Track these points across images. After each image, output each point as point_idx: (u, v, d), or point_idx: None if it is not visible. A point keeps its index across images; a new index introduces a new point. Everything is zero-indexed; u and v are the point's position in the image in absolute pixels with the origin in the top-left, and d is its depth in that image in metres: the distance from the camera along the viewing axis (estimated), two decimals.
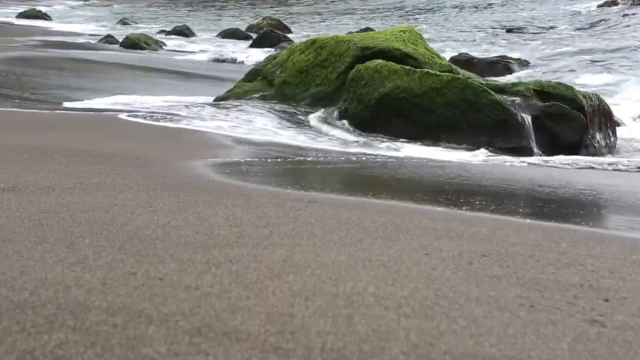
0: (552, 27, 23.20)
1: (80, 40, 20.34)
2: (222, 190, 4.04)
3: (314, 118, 7.89)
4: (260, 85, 8.82)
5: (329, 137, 7.43)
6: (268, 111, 8.09)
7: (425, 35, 9.24)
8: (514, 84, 7.79)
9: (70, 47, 16.98)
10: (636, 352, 2.05)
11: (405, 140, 7.32)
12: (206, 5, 40.65)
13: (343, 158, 6.24)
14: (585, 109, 7.49)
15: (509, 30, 24.06)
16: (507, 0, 32.93)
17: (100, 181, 4.06)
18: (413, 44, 8.34)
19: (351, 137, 7.46)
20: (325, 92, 8.21)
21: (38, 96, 9.26)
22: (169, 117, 7.45)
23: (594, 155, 7.46)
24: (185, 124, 7.15)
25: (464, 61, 16.05)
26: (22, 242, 2.76)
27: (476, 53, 17.39)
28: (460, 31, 25.09)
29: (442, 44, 20.29)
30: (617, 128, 8.18)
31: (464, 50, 17.94)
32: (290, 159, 5.83)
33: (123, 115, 7.39)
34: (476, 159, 6.72)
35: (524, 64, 16.32)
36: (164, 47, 19.33)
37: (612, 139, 7.91)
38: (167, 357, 1.82)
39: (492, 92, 7.36)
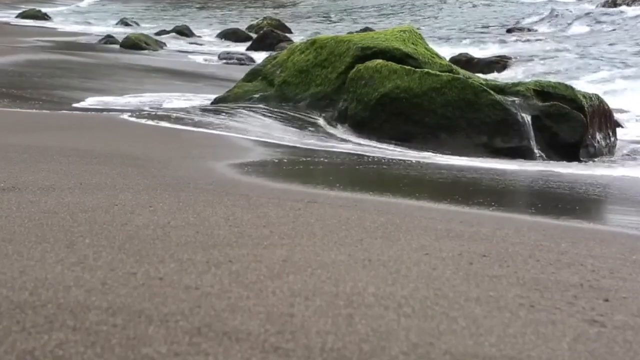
0: (552, 28, 23.21)
1: (82, 40, 20.34)
2: (223, 190, 4.04)
3: (320, 119, 7.89)
4: (260, 85, 8.82)
5: (334, 137, 7.43)
6: (270, 112, 8.09)
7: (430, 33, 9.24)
8: (514, 84, 7.79)
9: (73, 48, 16.99)
10: (636, 352, 2.05)
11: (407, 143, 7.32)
12: (205, 6, 40.63)
13: (350, 158, 6.24)
14: (585, 109, 7.49)
15: (509, 31, 24.07)
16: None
17: (100, 181, 4.06)
18: (413, 44, 8.34)
19: (352, 137, 7.46)
20: (325, 92, 8.21)
21: (55, 97, 9.27)
22: (167, 117, 7.45)
23: (593, 155, 7.46)
24: (183, 126, 7.15)
25: (464, 61, 16.07)
26: (22, 242, 2.76)
27: (476, 53, 17.39)
28: (459, 29, 25.08)
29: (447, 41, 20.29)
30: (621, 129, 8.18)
31: (463, 49, 17.94)
32: (300, 160, 5.83)
33: (124, 116, 7.39)
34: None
35: (524, 64, 16.32)
36: (164, 48, 19.32)
37: (612, 139, 7.91)
38: (167, 357, 1.82)
39: (492, 92, 7.36)
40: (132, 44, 18.23)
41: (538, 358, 1.97)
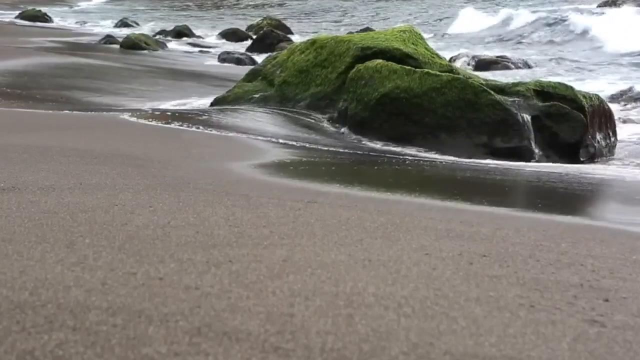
0: (553, 27, 23.20)
1: (83, 40, 20.34)
2: (223, 190, 4.04)
3: (320, 119, 7.89)
4: (260, 85, 8.82)
5: (334, 137, 7.43)
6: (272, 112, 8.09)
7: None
8: (514, 84, 7.79)
9: (80, 49, 16.98)
10: (636, 352, 2.06)
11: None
12: (205, 6, 40.62)
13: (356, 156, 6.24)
14: (586, 109, 7.49)
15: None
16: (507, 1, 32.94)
17: (100, 181, 4.06)
18: (413, 44, 8.34)
19: (352, 137, 7.46)
20: (325, 92, 8.21)
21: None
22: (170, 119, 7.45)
23: (594, 155, 7.46)
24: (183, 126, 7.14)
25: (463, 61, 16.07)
26: (22, 242, 2.76)
27: (476, 53, 17.39)
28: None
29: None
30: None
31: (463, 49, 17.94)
32: (300, 160, 5.83)
33: (125, 116, 7.39)
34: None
35: (523, 64, 16.32)
36: (164, 48, 19.32)
37: (612, 139, 7.91)
38: (167, 357, 1.82)
39: (492, 92, 7.36)
40: (132, 44, 18.22)
41: (538, 358, 1.97)
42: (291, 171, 5.25)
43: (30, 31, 22.15)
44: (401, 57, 8.02)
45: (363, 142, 7.37)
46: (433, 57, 8.31)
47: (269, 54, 12.48)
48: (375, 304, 2.27)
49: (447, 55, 14.59)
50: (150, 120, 7.18)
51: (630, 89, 11.09)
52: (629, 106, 10.52)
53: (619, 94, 11.04)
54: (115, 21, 28.75)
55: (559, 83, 7.93)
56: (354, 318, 2.14)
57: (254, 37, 21.48)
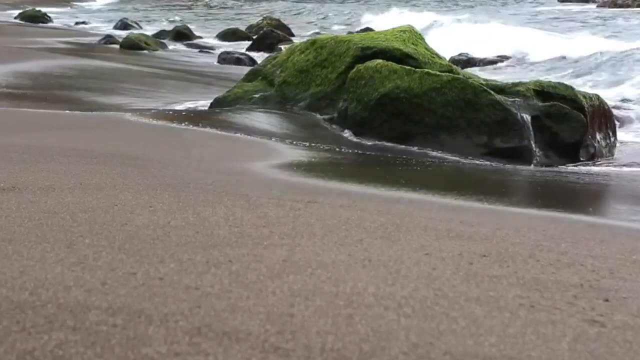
0: (553, 27, 23.19)
1: (83, 40, 20.33)
2: (223, 190, 4.04)
3: (320, 119, 7.89)
4: (260, 85, 8.82)
5: (334, 137, 7.43)
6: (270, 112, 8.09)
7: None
8: (514, 84, 7.79)
9: (78, 49, 16.98)
10: (636, 352, 2.05)
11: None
12: (204, 6, 40.63)
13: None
14: (586, 109, 7.49)
15: None
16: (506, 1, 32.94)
17: (100, 181, 4.06)
18: (413, 44, 8.33)
19: (352, 137, 7.46)
20: (325, 92, 8.20)
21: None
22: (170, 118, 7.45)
23: (594, 155, 7.46)
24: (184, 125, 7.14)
25: (464, 61, 16.07)
26: (22, 242, 2.76)
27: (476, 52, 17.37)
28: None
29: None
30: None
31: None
32: (300, 160, 5.83)
33: (126, 116, 7.39)
34: None
35: (524, 64, 16.32)
36: (164, 48, 19.31)
37: (612, 139, 7.90)
38: (167, 357, 1.82)
39: (492, 92, 7.36)
40: (132, 44, 18.21)
41: (538, 358, 1.97)
42: (291, 171, 5.24)
43: (31, 31, 22.15)
44: (401, 57, 8.01)
45: (363, 142, 7.37)
46: (433, 57, 8.31)
47: (269, 54, 12.48)
48: (375, 304, 2.27)
49: None
50: (152, 119, 7.18)
51: None
52: None
53: None
54: (116, 21, 28.75)
55: (559, 83, 7.92)
56: (354, 318, 2.14)
57: (254, 37, 21.47)
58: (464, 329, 2.11)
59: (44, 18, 29.04)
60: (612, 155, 7.74)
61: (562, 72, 14.77)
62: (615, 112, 8.42)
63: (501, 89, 7.61)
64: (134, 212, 3.35)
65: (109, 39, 19.75)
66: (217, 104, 8.80)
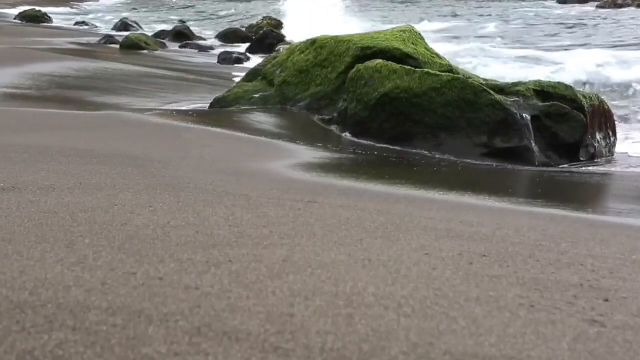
0: (556, 28, 23.20)
1: (83, 40, 20.34)
2: (223, 190, 4.04)
3: (319, 119, 7.89)
4: (260, 85, 8.82)
5: (334, 136, 7.43)
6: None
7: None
8: (514, 84, 7.79)
9: (79, 49, 16.98)
10: (636, 352, 2.06)
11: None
12: (206, 5, 40.63)
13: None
14: (586, 109, 7.49)
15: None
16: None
17: (100, 181, 4.06)
18: (413, 44, 8.34)
19: (352, 137, 7.47)
20: (325, 92, 8.21)
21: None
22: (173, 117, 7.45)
23: (594, 155, 7.46)
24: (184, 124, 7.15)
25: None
26: (22, 242, 2.76)
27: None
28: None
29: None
30: None
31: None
32: (299, 161, 5.84)
33: (126, 116, 7.39)
34: None
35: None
36: (164, 48, 19.31)
37: (612, 139, 7.91)
38: (167, 357, 1.82)
39: (491, 92, 7.36)
40: (132, 44, 18.22)
41: (538, 358, 1.97)
42: (291, 171, 5.24)
43: (31, 32, 22.15)
44: (401, 57, 8.02)
45: (363, 142, 7.37)
46: (433, 57, 8.31)
47: (269, 54, 12.47)
48: (375, 304, 2.27)
49: None
50: (152, 119, 7.18)
51: None
52: None
53: None
54: (116, 21, 28.74)
55: (559, 83, 7.93)
56: (354, 318, 2.14)
57: (254, 37, 21.47)
58: (464, 329, 2.11)
59: (44, 18, 29.03)
60: (612, 155, 7.74)
61: None
62: None
63: (501, 89, 7.61)
64: (134, 212, 3.35)
65: (109, 39, 19.75)
66: (217, 103, 8.80)
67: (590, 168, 6.97)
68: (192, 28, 24.17)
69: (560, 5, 33.96)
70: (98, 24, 28.73)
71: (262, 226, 3.21)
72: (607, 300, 2.48)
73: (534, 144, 7.23)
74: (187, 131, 6.77)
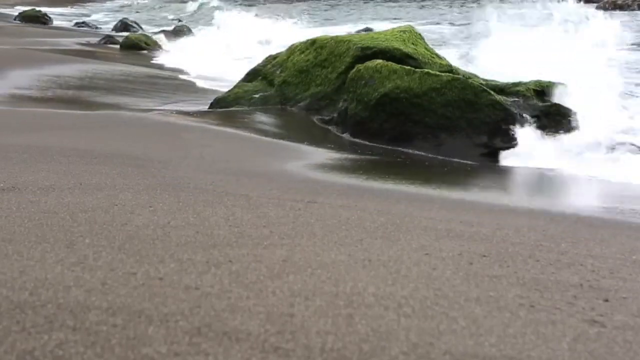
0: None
1: (82, 40, 20.34)
2: (222, 190, 4.04)
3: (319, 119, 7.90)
4: (260, 85, 8.82)
5: (334, 137, 7.43)
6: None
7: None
8: (514, 84, 7.79)
9: (81, 49, 16.97)
10: (636, 352, 2.06)
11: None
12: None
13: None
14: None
15: None
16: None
17: (100, 181, 4.06)
18: (413, 44, 8.34)
19: (352, 137, 7.47)
20: (325, 92, 8.21)
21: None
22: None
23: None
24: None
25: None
26: (22, 242, 2.76)
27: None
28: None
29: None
30: None
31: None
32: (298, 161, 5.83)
33: (126, 116, 7.39)
34: None
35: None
36: (164, 49, 19.31)
37: None
38: (167, 357, 1.82)
39: (491, 92, 7.36)
40: (132, 44, 18.23)
41: (538, 358, 1.97)
42: (291, 170, 5.24)
43: (31, 32, 22.14)
44: (401, 57, 8.01)
45: (363, 142, 7.37)
46: (433, 57, 8.31)
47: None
48: (375, 304, 2.27)
49: None
50: (152, 119, 7.18)
51: None
52: None
53: None
54: (116, 22, 28.73)
55: (559, 83, 7.92)
56: (354, 318, 2.14)
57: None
58: (464, 329, 2.11)
59: (44, 18, 29.01)
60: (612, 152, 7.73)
61: None
62: None
63: (501, 89, 7.61)
64: (134, 212, 3.35)
65: (109, 39, 19.76)
66: (217, 103, 8.80)
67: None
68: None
69: (559, 5, 33.90)
70: (99, 24, 28.71)
71: (262, 226, 3.21)
72: (607, 300, 2.48)
73: None
74: (187, 131, 6.77)
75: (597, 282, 2.69)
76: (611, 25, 9.26)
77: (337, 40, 8.57)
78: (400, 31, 8.60)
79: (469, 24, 21.54)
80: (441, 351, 1.95)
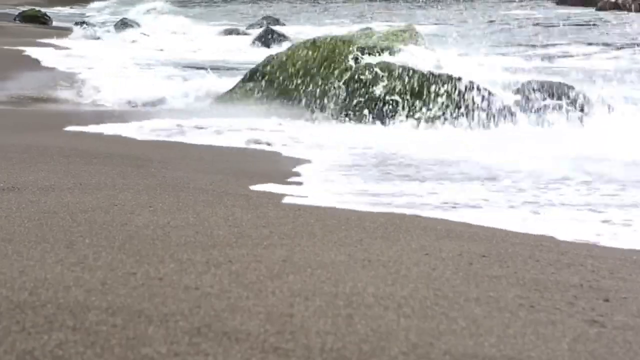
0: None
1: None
2: (222, 190, 4.04)
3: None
4: (260, 85, 8.82)
5: None
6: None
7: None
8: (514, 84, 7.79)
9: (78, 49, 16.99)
10: (636, 352, 2.05)
11: None
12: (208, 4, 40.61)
13: None
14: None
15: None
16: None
17: (100, 181, 4.06)
18: (413, 44, 8.34)
19: None
20: (325, 92, 8.21)
21: None
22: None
23: None
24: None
25: None
26: (22, 242, 2.76)
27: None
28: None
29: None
30: None
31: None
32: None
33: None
34: None
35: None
36: (163, 49, 19.38)
37: None
38: (167, 357, 1.82)
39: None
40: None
41: (538, 358, 1.97)
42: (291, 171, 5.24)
43: (28, 32, 22.13)
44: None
45: None
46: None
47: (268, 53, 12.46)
48: (375, 304, 2.27)
49: None
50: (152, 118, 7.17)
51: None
52: None
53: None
54: (115, 21, 28.72)
55: (560, 83, 7.93)
56: (354, 318, 2.14)
57: (254, 36, 21.44)
58: (464, 329, 2.11)
59: (43, 18, 28.99)
60: None
61: None
62: None
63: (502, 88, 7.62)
64: (134, 212, 3.35)
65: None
66: (217, 103, 8.80)
67: None
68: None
69: (558, 6, 33.83)
70: (99, 24, 28.69)
71: (262, 226, 3.21)
72: (607, 301, 2.48)
73: None
74: (187, 131, 6.75)
75: (597, 282, 2.69)
76: None
77: (338, 40, 8.57)
78: (401, 31, 8.60)
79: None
80: (441, 351, 1.95)
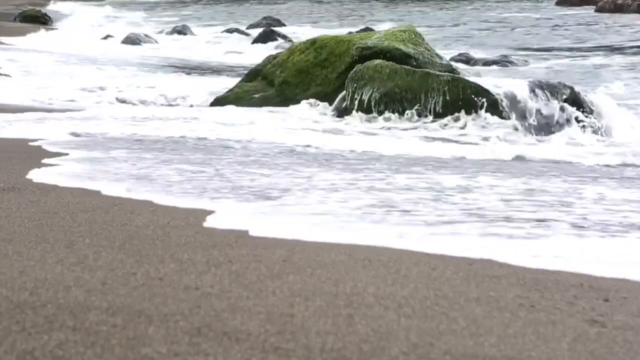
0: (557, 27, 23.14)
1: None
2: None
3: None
4: (260, 85, 8.82)
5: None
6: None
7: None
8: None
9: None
10: (636, 352, 2.05)
11: None
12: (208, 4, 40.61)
13: None
14: None
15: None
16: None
17: None
18: (413, 44, 8.34)
19: None
20: (325, 92, 8.21)
21: None
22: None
23: None
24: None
25: (464, 61, 16.05)
26: (22, 242, 2.76)
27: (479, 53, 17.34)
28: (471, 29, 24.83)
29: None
30: None
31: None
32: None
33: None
34: None
35: (524, 64, 16.31)
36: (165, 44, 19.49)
37: None
38: (167, 357, 1.82)
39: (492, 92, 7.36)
40: (133, 41, 18.39)
41: (538, 358, 1.96)
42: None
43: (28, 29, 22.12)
44: (401, 57, 8.01)
45: None
46: (433, 57, 8.31)
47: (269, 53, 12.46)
48: (375, 304, 2.27)
49: None
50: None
51: None
52: None
53: None
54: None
55: (559, 83, 7.93)
56: (354, 318, 2.14)
57: (254, 36, 21.44)
58: (464, 329, 2.11)
59: (43, 18, 28.98)
60: None
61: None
62: None
63: None
64: (134, 212, 3.35)
65: (109, 37, 19.94)
66: (217, 103, 8.81)
67: None
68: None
69: (558, 7, 33.79)
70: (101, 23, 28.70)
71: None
72: (607, 300, 2.48)
73: None
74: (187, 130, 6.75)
75: (597, 282, 2.69)
76: None
77: (337, 40, 8.57)
78: (401, 31, 8.60)
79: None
80: (441, 351, 1.95)
